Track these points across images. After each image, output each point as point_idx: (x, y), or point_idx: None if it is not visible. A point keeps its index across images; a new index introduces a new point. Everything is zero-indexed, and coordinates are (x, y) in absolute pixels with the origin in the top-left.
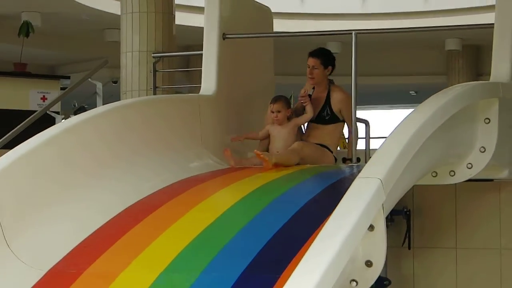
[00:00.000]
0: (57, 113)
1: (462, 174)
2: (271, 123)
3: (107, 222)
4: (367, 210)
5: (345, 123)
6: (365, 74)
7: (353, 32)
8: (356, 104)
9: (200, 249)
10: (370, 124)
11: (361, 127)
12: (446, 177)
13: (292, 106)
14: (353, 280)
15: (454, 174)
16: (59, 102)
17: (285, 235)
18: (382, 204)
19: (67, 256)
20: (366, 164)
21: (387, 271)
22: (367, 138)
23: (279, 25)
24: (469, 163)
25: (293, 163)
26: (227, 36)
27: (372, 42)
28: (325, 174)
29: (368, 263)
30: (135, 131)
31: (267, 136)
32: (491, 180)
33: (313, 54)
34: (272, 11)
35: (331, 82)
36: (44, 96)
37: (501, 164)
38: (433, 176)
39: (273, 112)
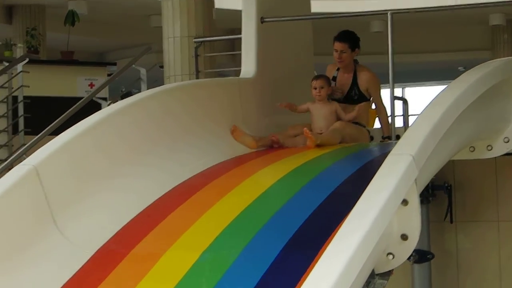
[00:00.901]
0: (104, 99)
1: (499, 148)
2: (309, 102)
3: (148, 206)
4: (399, 185)
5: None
6: (412, 51)
7: (389, 12)
8: (394, 83)
9: (240, 228)
10: (408, 102)
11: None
12: (483, 151)
13: None
14: (390, 253)
15: (491, 149)
16: (107, 88)
17: (323, 213)
18: (415, 179)
19: (113, 238)
20: (398, 141)
21: (430, 245)
22: (406, 116)
23: (320, 6)
24: (506, 137)
25: (335, 143)
26: (265, 19)
27: (417, 19)
28: (363, 153)
29: (404, 237)
30: (174, 117)
31: (305, 111)
32: None
33: (340, 38)
34: None
35: (356, 62)
36: (91, 82)
37: None
38: (471, 151)
39: (315, 88)
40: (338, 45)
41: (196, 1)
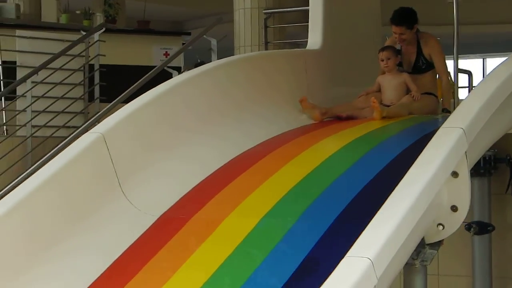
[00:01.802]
0: (178, 68)
1: None
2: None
3: (211, 174)
4: (448, 157)
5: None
6: (486, 22)
7: None
8: (458, 54)
9: (299, 196)
10: (473, 74)
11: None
12: None
13: None
14: (440, 224)
15: None
16: (182, 57)
17: (378, 183)
18: (465, 152)
19: (176, 204)
20: (451, 115)
21: (491, 217)
22: (470, 88)
23: None
24: None
25: (403, 115)
26: None
27: None
28: (424, 125)
29: (454, 208)
30: (240, 87)
31: (378, 88)
32: None
33: (396, 22)
34: None
35: (417, 31)
36: (166, 52)
37: None
38: None
39: (382, 60)
40: (395, 29)
41: None
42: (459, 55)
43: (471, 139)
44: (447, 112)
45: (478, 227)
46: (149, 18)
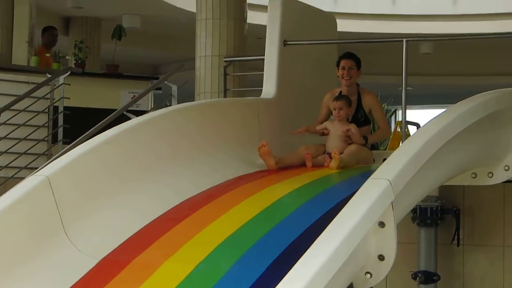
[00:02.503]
0: (143, 112)
1: (500, 176)
2: (327, 121)
3: (153, 220)
4: (373, 207)
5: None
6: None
7: (404, 40)
8: (406, 105)
9: (235, 244)
10: (420, 126)
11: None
12: (485, 178)
13: None
14: (368, 272)
15: (492, 176)
16: (150, 102)
17: (312, 233)
18: (391, 203)
19: (118, 248)
20: (380, 166)
21: (437, 267)
22: None
23: (371, 26)
24: (506, 166)
25: (354, 164)
26: (288, 42)
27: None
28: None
29: (381, 257)
30: (186, 136)
31: (322, 131)
32: None
33: (347, 56)
34: (364, 12)
35: (357, 85)
36: (134, 95)
37: None
38: (473, 177)
39: (335, 109)
40: (346, 62)
41: (229, 22)
42: (408, 105)
43: (398, 190)
44: (365, 139)
45: (424, 276)
46: (126, 61)
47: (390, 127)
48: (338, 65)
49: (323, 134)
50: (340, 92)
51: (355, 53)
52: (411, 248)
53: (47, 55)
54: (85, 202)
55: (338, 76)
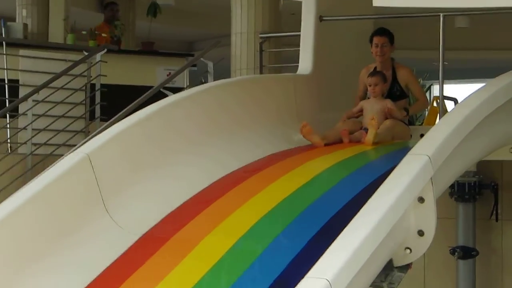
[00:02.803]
0: (179, 89)
1: None
2: (363, 100)
3: (195, 194)
4: (413, 183)
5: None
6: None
7: (441, 14)
8: (443, 80)
9: (277, 217)
10: (458, 101)
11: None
12: None
13: None
14: (407, 248)
15: None
16: (186, 78)
17: (353, 206)
18: (431, 178)
19: (158, 224)
20: (418, 142)
21: (475, 242)
22: None
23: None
24: None
25: (389, 139)
26: (324, 18)
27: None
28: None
29: (420, 232)
30: (227, 110)
31: (361, 111)
32: None
33: (380, 33)
34: None
35: (392, 59)
36: (169, 72)
37: None
38: (511, 152)
39: (370, 85)
40: (379, 39)
41: None
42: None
43: (437, 166)
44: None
45: (462, 251)
46: (160, 38)
47: (428, 100)
48: (371, 41)
49: (361, 114)
50: (375, 68)
51: (389, 28)
52: (449, 224)
53: (104, 35)
54: (125, 178)
55: (372, 53)
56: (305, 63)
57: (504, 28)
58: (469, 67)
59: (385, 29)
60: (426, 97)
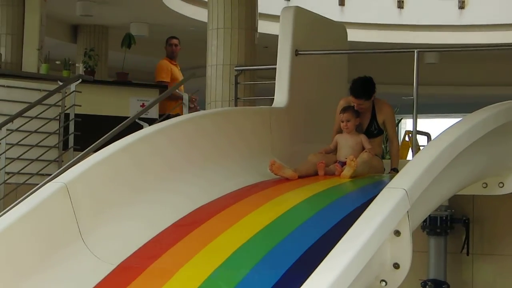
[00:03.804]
0: (152, 120)
1: (511, 186)
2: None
3: (174, 222)
4: (390, 216)
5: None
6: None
7: (415, 51)
8: (417, 114)
9: (254, 248)
10: (431, 136)
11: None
12: (495, 188)
13: None
14: (383, 280)
15: (503, 186)
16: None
17: (330, 237)
18: (407, 212)
19: (135, 253)
20: (396, 176)
21: (446, 275)
22: None
23: (377, 36)
24: None
25: (365, 173)
26: (299, 52)
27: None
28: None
29: (396, 265)
30: (208, 139)
31: (335, 147)
32: None
33: (356, 95)
34: (370, 22)
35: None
36: (143, 103)
37: None
38: (483, 187)
39: (343, 121)
40: (355, 101)
41: (240, 31)
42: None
43: (414, 200)
44: (396, 171)
45: (433, 284)
46: (133, 69)
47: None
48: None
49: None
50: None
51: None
52: (421, 257)
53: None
54: (101, 209)
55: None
56: (281, 96)
57: (472, 64)
58: (437, 102)
59: (363, 86)
60: (397, 138)
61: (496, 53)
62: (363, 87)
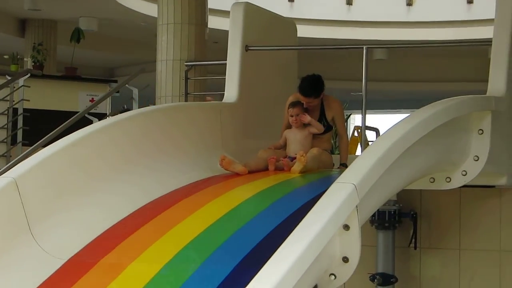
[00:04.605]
0: (102, 115)
1: (457, 181)
2: (287, 128)
3: (121, 220)
4: (339, 210)
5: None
6: (412, 80)
7: (364, 47)
8: (366, 110)
9: (202, 244)
10: (380, 131)
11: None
12: (442, 183)
13: None
14: (332, 274)
15: (450, 181)
16: (108, 104)
17: (278, 234)
18: (356, 206)
19: (84, 249)
20: (345, 171)
21: (394, 269)
22: None
23: (326, 32)
24: (464, 171)
25: (315, 168)
26: (249, 48)
27: (419, 49)
28: (325, 179)
29: (345, 259)
30: (151, 138)
31: (285, 142)
32: (493, 186)
33: (305, 93)
34: (319, 18)
35: None
36: (92, 98)
37: (499, 171)
38: (431, 182)
39: (292, 116)
40: (304, 99)
41: (190, 27)
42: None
43: (363, 194)
44: (345, 166)
45: (382, 278)
46: (81, 64)
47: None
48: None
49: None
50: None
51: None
52: (369, 251)
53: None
54: (51, 203)
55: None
56: (231, 92)
57: (420, 60)
58: (385, 98)
59: (312, 84)
60: (347, 134)
61: (444, 50)
62: (312, 86)
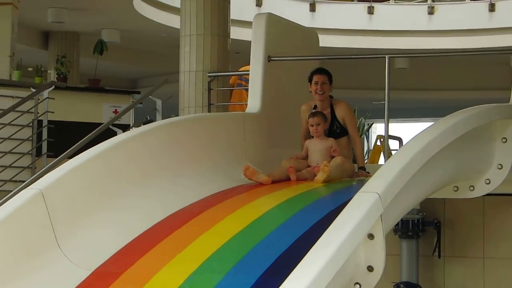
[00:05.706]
0: (125, 126)
1: (481, 189)
2: (307, 138)
3: (144, 231)
4: (364, 220)
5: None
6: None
7: (387, 56)
8: (389, 118)
9: (228, 253)
10: (403, 140)
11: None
12: (466, 191)
13: None
14: (357, 283)
15: (473, 189)
16: (131, 116)
17: (304, 242)
18: (381, 216)
19: (111, 258)
20: (369, 180)
21: (418, 278)
22: None
23: (348, 41)
24: (487, 179)
25: (338, 178)
26: (272, 58)
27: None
28: (349, 188)
29: (370, 268)
30: (181, 146)
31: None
32: None
33: (321, 71)
34: (341, 28)
35: (330, 97)
36: (116, 109)
37: None
38: (454, 191)
39: (312, 125)
40: (319, 77)
41: (213, 38)
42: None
43: (387, 203)
44: (364, 169)
45: (406, 287)
46: (104, 75)
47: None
48: (310, 80)
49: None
50: (315, 106)
51: (330, 68)
52: (393, 260)
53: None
54: (76, 215)
55: (311, 91)
56: (254, 102)
57: (441, 69)
58: (406, 106)
59: (324, 68)
60: (359, 136)
61: (465, 58)
62: (323, 68)
